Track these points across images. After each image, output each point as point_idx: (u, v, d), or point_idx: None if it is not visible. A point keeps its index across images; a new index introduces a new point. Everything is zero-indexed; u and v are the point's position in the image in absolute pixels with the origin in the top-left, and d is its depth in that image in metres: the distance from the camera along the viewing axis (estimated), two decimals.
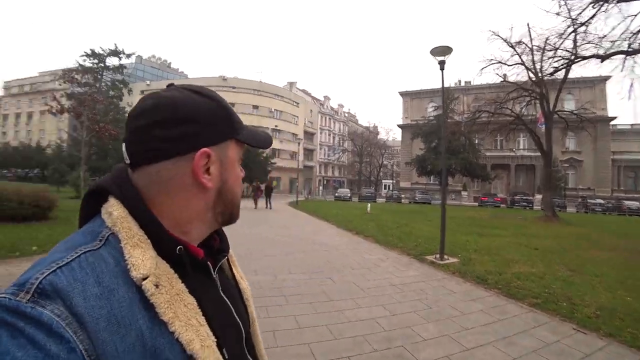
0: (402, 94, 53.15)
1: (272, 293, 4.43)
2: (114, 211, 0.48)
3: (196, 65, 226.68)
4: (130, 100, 41.53)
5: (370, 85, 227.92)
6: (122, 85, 34.59)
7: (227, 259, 0.67)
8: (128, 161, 0.51)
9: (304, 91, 63.76)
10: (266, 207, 20.22)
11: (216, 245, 0.62)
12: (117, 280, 0.43)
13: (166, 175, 0.50)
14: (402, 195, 39.87)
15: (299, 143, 34.60)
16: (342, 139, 69.44)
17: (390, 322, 3.62)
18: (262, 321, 3.52)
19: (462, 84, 48.74)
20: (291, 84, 59.80)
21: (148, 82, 51.93)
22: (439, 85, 7.66)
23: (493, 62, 18.13)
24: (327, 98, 68.10)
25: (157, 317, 0.44)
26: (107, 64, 32.82)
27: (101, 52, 32.09)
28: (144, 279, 0.44)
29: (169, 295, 0.46)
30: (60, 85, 14.59)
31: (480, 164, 36.11)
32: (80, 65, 29.98)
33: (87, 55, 31.65)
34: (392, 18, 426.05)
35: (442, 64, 7.23)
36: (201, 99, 0.54)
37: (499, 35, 17.74)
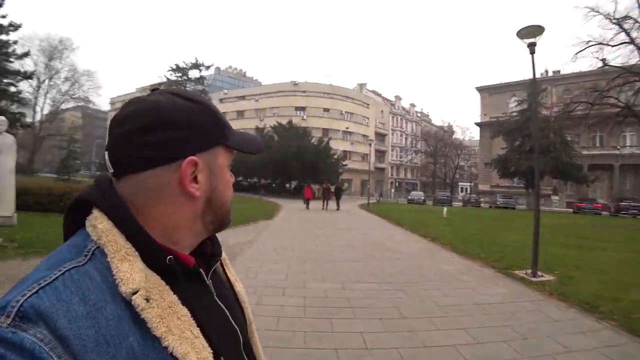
0: (480, 89, 49.09)
1: (339, 304, 4.19)
2: (98, 224, 0.46)
3: (269, 72, 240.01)
4: None
5: (444, 83, 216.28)
6: (202, 95, 38.22)
7: (221, 262, 0.65)
8: (112, 170, 0.49)
9: (374, 92, 62.84)
10: (336, 209, 20.18)
11: (208, 250, 0.60)
12: (105, 297, 0.41)
13: (152, 184, 0.48)
14: (481, 199, 36.75)
15: (370, 144, 34.02)
16: (415, 140, 66.69)
17: (475, 353, 3.07)
18: (325, 336, 3.31)
19: (550, 73, 42.42)
20: (361, 86, 59.41)
21: (225, 91, 56.32)
22: (522, 77, 6.88)
23: (592, 43, 15.44)
24: (398, 98, 66.13)
25: (149, 332, 0.42)
26: (190, 76, 36.75)
27: (184, 66, 35.91)
28: (134, 293, 0.42)
29: (161, 308, 0.44)
30: None
31: (575, 164, 31.38)
32: (167, 79, 33.80)
33: (173, 69, 35.68)
34: (466, 8, 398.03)
35: (532, 46, 6.21)
36: (186, 103, 0.51)
37: (598, 12, 15.05)
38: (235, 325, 0.57)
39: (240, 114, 51.57)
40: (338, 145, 43.28)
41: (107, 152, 0.49)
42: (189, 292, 0.48)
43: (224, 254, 0.65)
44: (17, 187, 9.73)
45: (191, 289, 0.50)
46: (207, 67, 37.85)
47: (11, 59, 18.18)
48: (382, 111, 58.95)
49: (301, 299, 4.28)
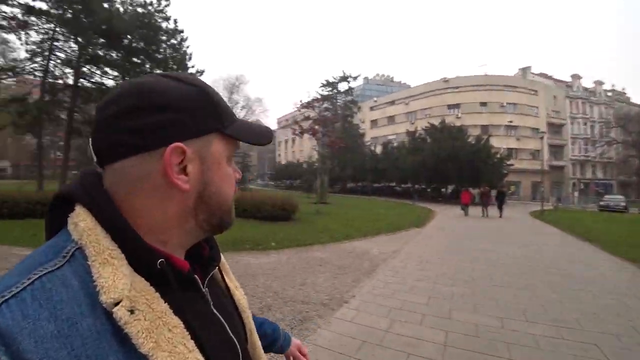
0: None
1: (493, 351, 3.14)
2: (80, 221, 0.41)
3: (417, 73, 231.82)
4: (361, 117, 47.21)
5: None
6: (352, 105, 40.52)
7: (219, 268, 0.60)
8: (94, 159, 0.45)
9: (542, 75, 51.49)
10: (499, 217, 17.37)
11: (205, 254, 0.55)
12: (81, 309, 0.36)
13: (134, 174, 0.43)
14: None
15: (541, 138, 28.08)
16: (606, 127, 50.91)
17: None
18: None
19: None
20: (524, 70, 49.55)
21: (375, 99, 57.09)
22: None
23: None
24: (576, 77, 51.61)
25: (134, 350, 0.37)
26: (339, 89, 39.28)
27: (333, 80, 38.68)
28: (116, 304, 0.37)
29: (148, 320, 0.39)
30: (305, 114, 17.92)
31: None
32: (320, 95, 37.10)
33: (323, 85, 39.02)
34: None
35: None
36: (176, 84, 0.46)
37: None
38: (233, 337, 0.52)
39: (391, 119, 51.53)
40: (501, 143, 37.73)
41: (90, 139, 0.44)
42: (182, 301, 0.43)
43: (222, 259, 0.61)
44: None
45: (185, 297, 0.45)
46: (355, 78, 39.87)
47: None
48: (554, 97, 47.26)
49: (442, 334, 3.49)
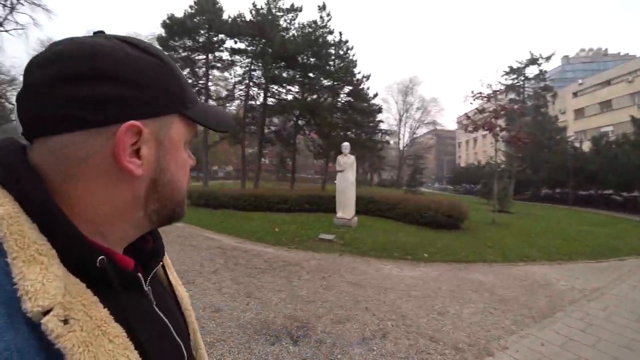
0: None
1: None
2: None
3: None
4: (560, 106, 37.52)
5: None
6: (545, 92, 32.13)
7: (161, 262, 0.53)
8: (22, 129, 0.38)
9: None
10: None
11: (148, 248, 0.49)
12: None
13: (75, 155, 0.35)
14: None
15: None
16: None
17: None
18: None
19: None
20: None
21: (580, 81, 44.50)
22: None
23: None
24: None
25: None
26: (527, 74, 32.10)
27: (519, 65, 32.02)
28: (45, 313, 0.29)
29: (86, 331, 0.32)
30: (480, 106, 15.48)
31: None
32: (504, 85, 31.51)
33: (506, 72, 32.78)
34: None
35: None
36: (139, 53, 0.39)
37: None
38: (179, 341, 0.47)
39: (606, 105, 38.70)
40: None
41: (16, 102, 0.36)
42: (124, 305, 0.38)
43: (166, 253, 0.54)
44: (364, 196, 12.14)
45: (127, 299, 0.40)
46: (548, 59, 31.53)
47: (370, 101, 23.89)
48: None
49: None
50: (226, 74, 23.22)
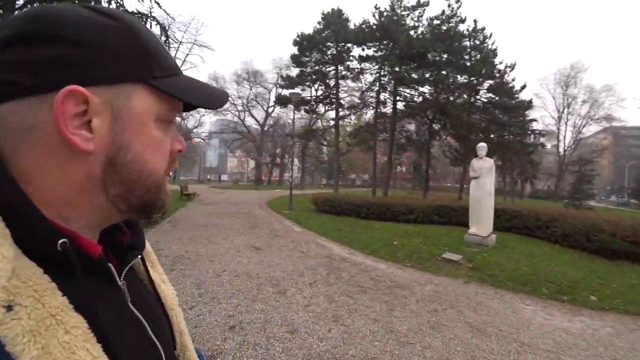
0: None
1: None
2: None
3: None
4: None
5: None
6: None
7: (143, 259, 0.50)
8: None
9: None
10: None
11: (124, 241, 0.46)
12: None
13: (19, 125, 0.33)
14: None
15: None
16: None
17: None
18: None
19: None
20: None
21: None
22: None
23: None
24: None
25: (9, 358, 0.28)
26: None
27: None
28: None
29: (34, 320, 0.29)
30: None
31: None
32: None
33: None
34: None
35: None
36: (95, 15, 0.36)
37: None
38: (155, 340, 0.43)
39: None
40: None
41: None
42: (88, 294, 0.34)
43: (148, 247, 0.52)
44: (507, 209, 10.14)
45: (93, 289, 0.35)
46: None
47: (516, 96, 19.94)
48: None
49: None
50: (358, 83, 23.73)
